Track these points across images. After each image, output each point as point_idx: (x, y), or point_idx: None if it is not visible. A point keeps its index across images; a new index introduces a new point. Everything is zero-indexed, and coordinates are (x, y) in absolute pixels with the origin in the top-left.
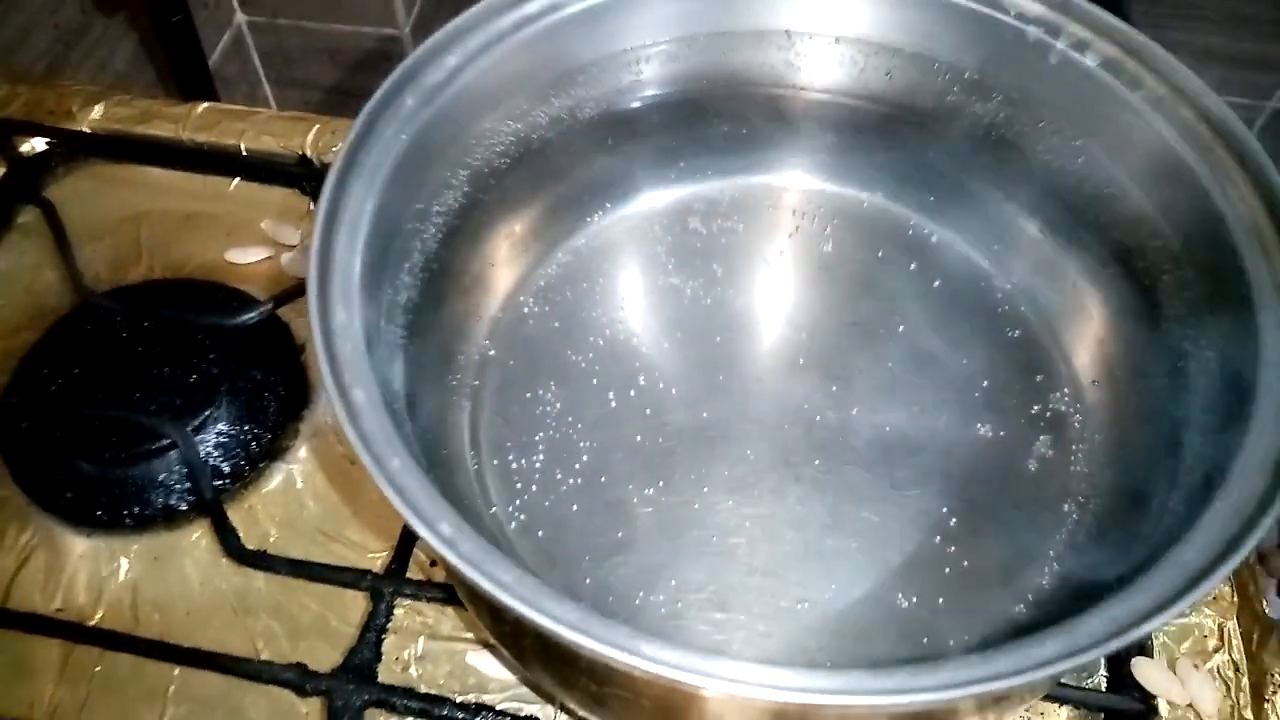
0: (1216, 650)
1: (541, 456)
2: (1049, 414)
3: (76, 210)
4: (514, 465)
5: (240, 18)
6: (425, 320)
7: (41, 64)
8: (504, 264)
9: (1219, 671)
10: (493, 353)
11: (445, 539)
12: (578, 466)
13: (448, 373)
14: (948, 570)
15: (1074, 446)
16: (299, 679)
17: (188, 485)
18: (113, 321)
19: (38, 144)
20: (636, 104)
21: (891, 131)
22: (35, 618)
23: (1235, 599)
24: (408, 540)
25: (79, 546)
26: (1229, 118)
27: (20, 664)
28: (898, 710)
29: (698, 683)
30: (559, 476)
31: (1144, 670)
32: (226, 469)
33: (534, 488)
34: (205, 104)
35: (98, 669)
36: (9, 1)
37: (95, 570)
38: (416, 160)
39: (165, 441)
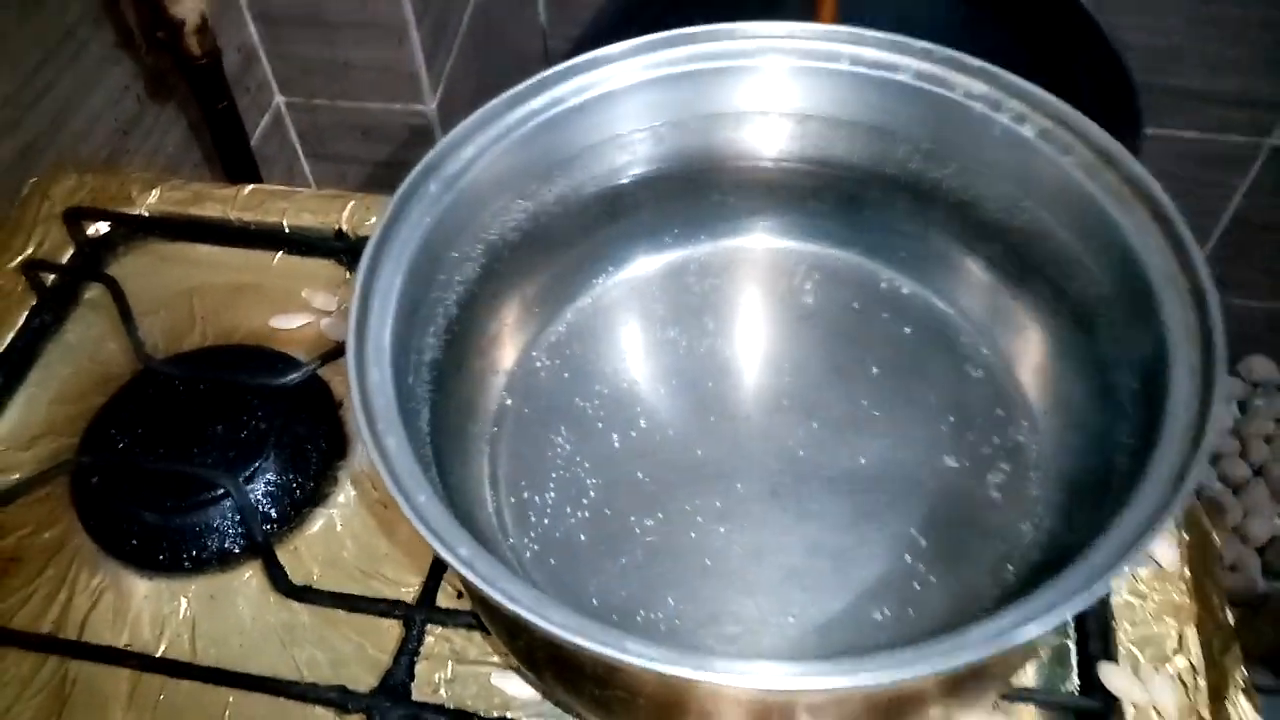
0: (1176, 654)
1: (553, 493)
2: (1009, 444)
3: (136, 285)
4: (528, 501)
5: (279, 99)
6: (449, 376)
7: (104, 153)
8: (517, 325)
9: (1179, 675)
10: (509, 402)
11: (463, 560)
12: (585, 501)
13: (469, 422)
14: (917, 586)
15: (1030, 473)
16: (341, 698)
17: (240, 530)
18: (171, 385)
19: (102, 227)
20: (631, 180)
21: (862, 196)
22: (107, 649)
23: (1195, 608)
24: (436, 573)
25: (143, 588)
26: (1147, 179)
27: (92, 694)
28: (868, 690)
29: (679, 673)
30: (568, 510)
31: (1109, 675)
32: (274, 514)
33: (546, 521)
34: (251, 186)
35: (161, 697)
36: (77, 100)
37: (158, 609)
38: (439, 239)
39: (220, 491)
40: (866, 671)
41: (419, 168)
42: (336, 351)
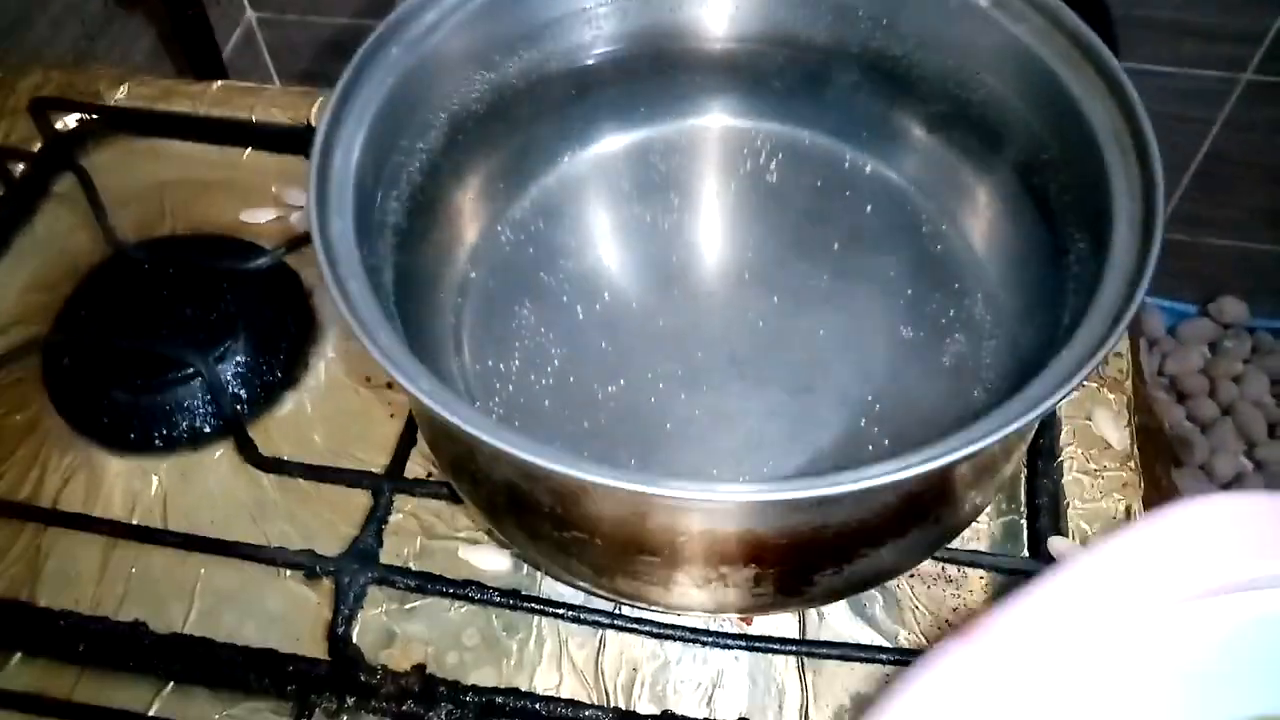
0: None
1: (517, 362)
2: (964, 315)
3: (105, 179)
4: (492, 369)
5: (250, 14)
6: (412, 243)
7: (69, 57)
8: (482, 198)
9: None
10: (473, 275)
11: (424, 390)
12: (549, 370)
13: (434, 291)
14: (871, 447)
15: (984, 342)
16: (309, 561)
17: (211, 409)
18: (141, 269)
19: (70, 121)
20: (595, 57)
21: (826, 75)
22: (79, 516)
23: (1141, 484)
24: (405, 446)
25: (115, 466)
26: (1095, 42)
27: (66, 567)
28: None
29: (634, 488)
30: (533, 378)
31: (1058, 545)
32: (244, 394)
33: (510, 388)
34: (220, 82)
35: (133, 570)
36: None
37: (129, 486)
38: (400, 102)
39: (190, 370)
40: (832, 484)
41: (379, 29)
42: (305, 240)
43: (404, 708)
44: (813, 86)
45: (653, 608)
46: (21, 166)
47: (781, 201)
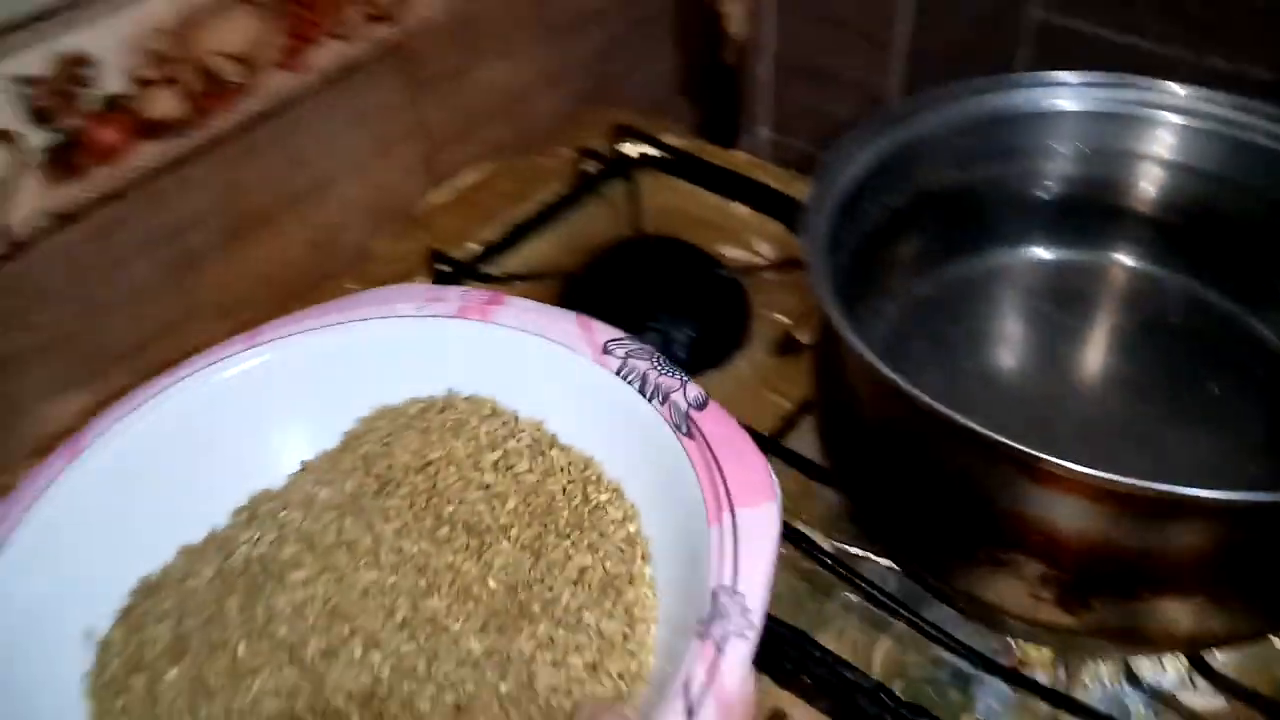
0: None
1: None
2: None
3: (643, 192)
4: None
5: (765, 134)
6: (859, 276)
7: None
8: (909, 267)
9: None
10: (889, 320)
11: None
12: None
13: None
14: None
15: None
16: None
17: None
18: (644, 252)
19: (633, 149)
20: (1040, 185)
21: (1217, 232)
22: None
23: None
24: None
25: None
26: None
27: None
28: None
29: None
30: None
31: None
32: (683, 358)
33: None
34: (743, 154)
35: None
36: (631, 67)
37: None
38: (875, 171)
39: (656, 325)
40: None
41: (872, 120)
42: (757, 269)
43: None
44: (1203, 240)
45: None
46: (593, 167)
47: (1156, 339)
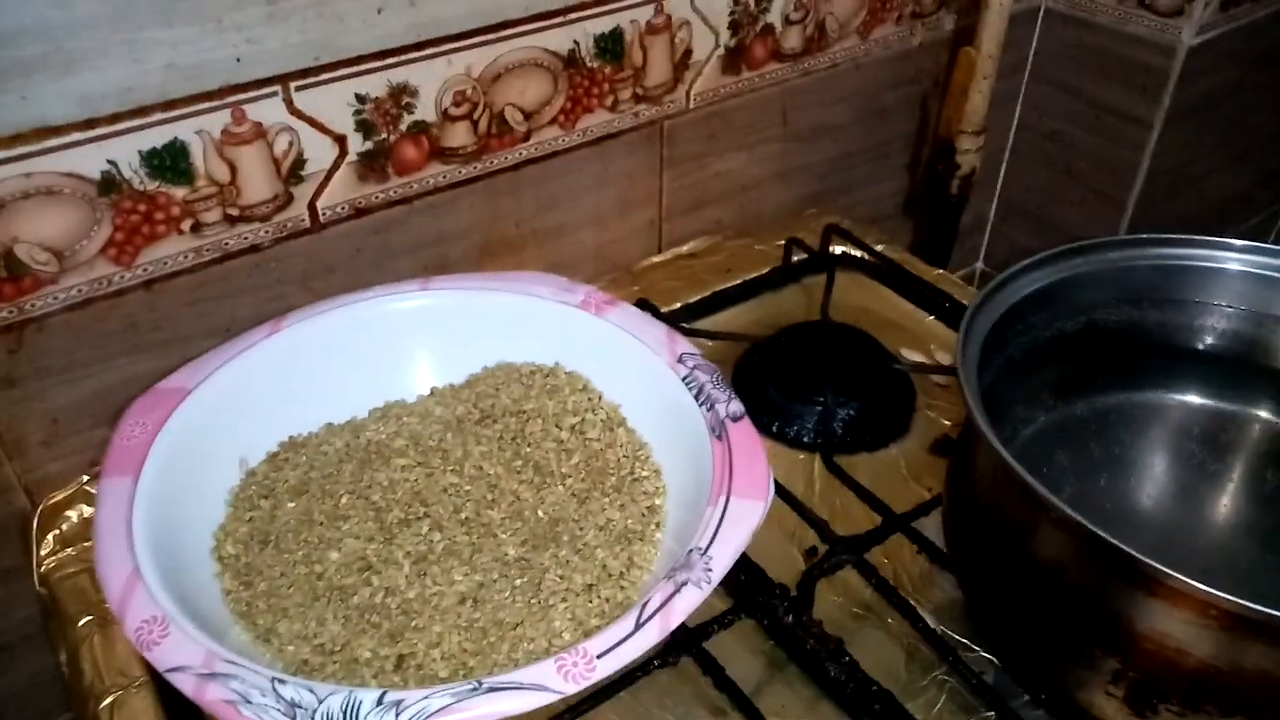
0: None
1: None
2: None
3: (838, 287)
4: None
5: (979, 265)
6: (1014, 388)
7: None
8: (1064, 384)
9: None
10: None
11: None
12: None
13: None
14: None
15: None
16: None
17: (818, 430)
18: (826, 334)
19: (840, 249)
20: (1186, 338)
21: None
22: None
23: None
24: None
25: None
26: None
27: None
28: None
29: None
30: None
31: None
32: (838, 434)
33: None
34: (940, 271)
35: None
36: (867, 185)
37: None
38: (1043, 294)
39: (819, 399)
40: None
41: (1025, 261)
42: (929, 369)
43: (818, 649)
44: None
45: None
46: (801, 255)
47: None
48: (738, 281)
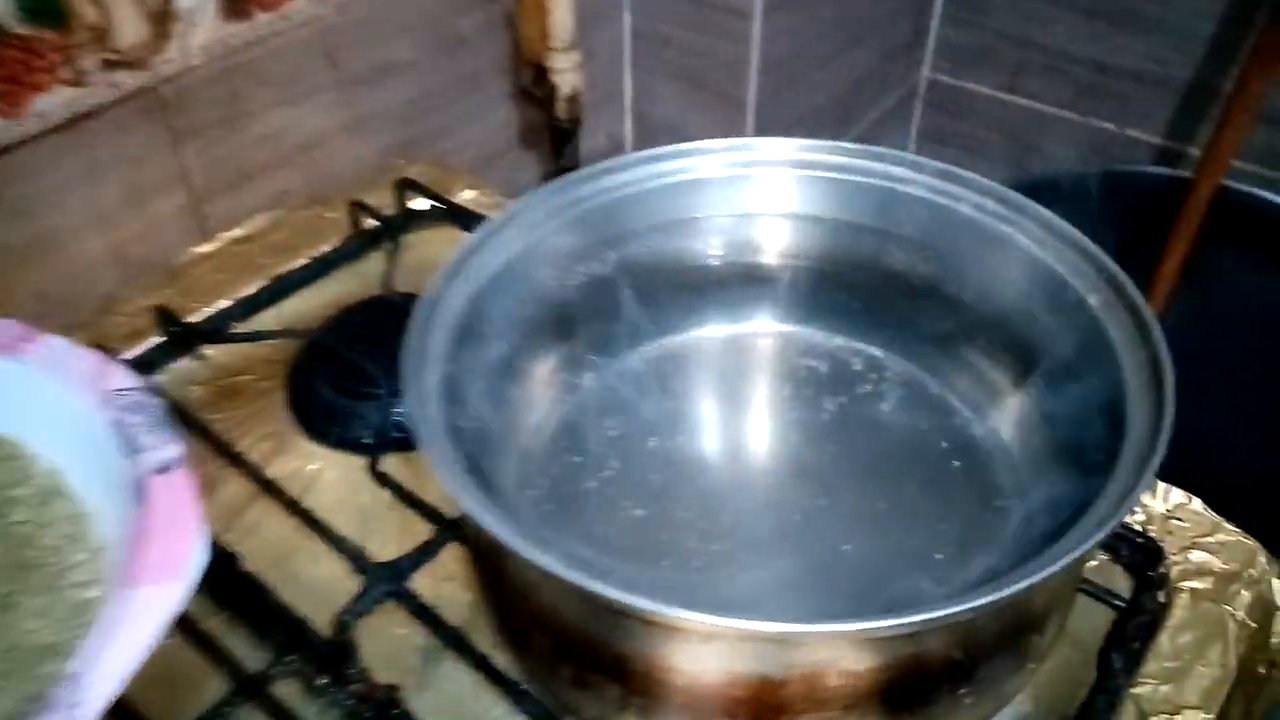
0: None
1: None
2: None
3: (417, 249)
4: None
5: None
6: (496, 397)
7: (468, 164)
8: (558, 369)
9: None
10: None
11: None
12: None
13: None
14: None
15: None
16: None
17: (377, 427)
18: (388, 312)
19: (419, 203)
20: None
21: (864, 287)
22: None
23: None
24: None
25: (305, 446)
26: (1089, 246)
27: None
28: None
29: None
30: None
31: None
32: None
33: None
34: None
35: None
36: (462, 121)
37: (299, 464)
38: (501, 279)
39: (377, 391)
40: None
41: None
42: None
43: (361, 710)
44: (853, 297)
45: None
46: (370, 222)
47: (810, 391)
48: (302, 262)
